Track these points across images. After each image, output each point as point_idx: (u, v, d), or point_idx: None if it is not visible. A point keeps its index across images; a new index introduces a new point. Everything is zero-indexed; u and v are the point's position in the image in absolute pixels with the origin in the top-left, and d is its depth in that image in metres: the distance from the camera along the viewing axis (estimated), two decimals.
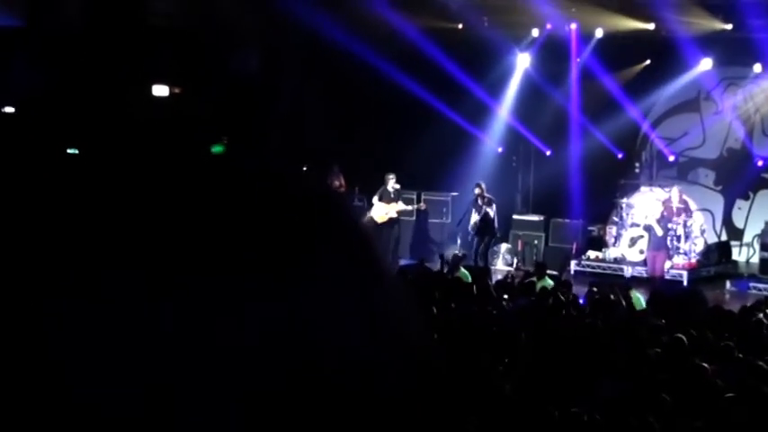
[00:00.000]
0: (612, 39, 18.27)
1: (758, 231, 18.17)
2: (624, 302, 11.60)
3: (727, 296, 15.77)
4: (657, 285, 14.80)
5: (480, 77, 18.83)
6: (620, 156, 19.65)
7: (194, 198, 0.77)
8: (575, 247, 17.86)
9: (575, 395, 7.21)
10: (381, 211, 17.55)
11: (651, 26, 17.89)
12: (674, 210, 17.34)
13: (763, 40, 17.24)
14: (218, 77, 15.93)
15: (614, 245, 18.06)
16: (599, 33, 18.44)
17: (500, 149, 20.20)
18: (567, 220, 18.41)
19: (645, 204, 17.74)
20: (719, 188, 19.49)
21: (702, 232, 17.90)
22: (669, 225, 16.60)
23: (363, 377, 0.76)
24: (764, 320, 10.30)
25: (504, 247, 18.38)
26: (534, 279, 13.35)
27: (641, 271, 16.72)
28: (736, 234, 19.19)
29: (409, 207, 17.98)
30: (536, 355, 8.41)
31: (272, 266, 0.74)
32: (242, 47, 16.26)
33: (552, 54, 18.94)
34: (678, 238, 17.25)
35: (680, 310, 10.98)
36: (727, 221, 19.40)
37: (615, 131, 19.23)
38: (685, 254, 17.30)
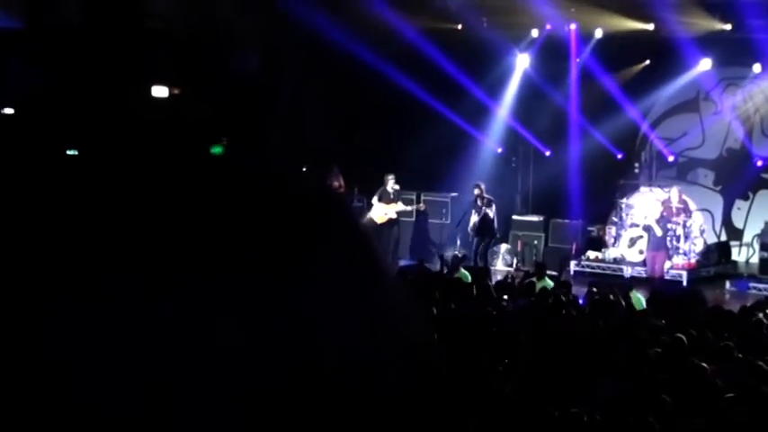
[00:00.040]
0: (612, 39, 18.27)
1: (758, 231, 18.17)
2: (624, 303, 11.59)
3: (727, 296, 15.76)
4: (657, 285, 14.79)
5: (480, 78, 18.82)
6: (619, 156, 19.64)
7: (194, 198, 0.77)
8: (574, 247, 17.86)
9: (575, 395, 7.21)
10: (381, 212, 17.55)
11: (650, 26, 17.88)
12: (674, 210, 17.34)
13: (762, 41, 17.24)
14: (217, 78, 15.92)
15: (614, 245, 18.05)
16: (598, 34, 18.43)
17: (499, 150, 20.19)
18: (566, 221, 18.41)
19: (644, 205, 17.74)
20: (719, 188, 19.49)
21: (702, 232, 17.90)
22: (669, 225, 16.60)
23: (363, 377, 0.76)
24: (764, 320, 10.30)
25: (503, 247, 18.38)
26: (534, 279, 13.34)
27: (641, 271, 16.72)
28: (736, 234, 19.18)
29: (409, 208, 17.98)
30: (536, 356, 8.41)
31: (273, 266, 0.74)
32: (241, 47, 16.26)
33: (552, 54, 18.94)
34: (678, 239, 17.24)
35: (680, 310, 10.98)
36: (727, 221, 19.39)
37: (615, 132, 19.23)
38: (685, 254, 17.29)
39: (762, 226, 17.70)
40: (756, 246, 18.21)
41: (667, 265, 16.48)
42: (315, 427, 0.73)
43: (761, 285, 16.03)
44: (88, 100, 13.91)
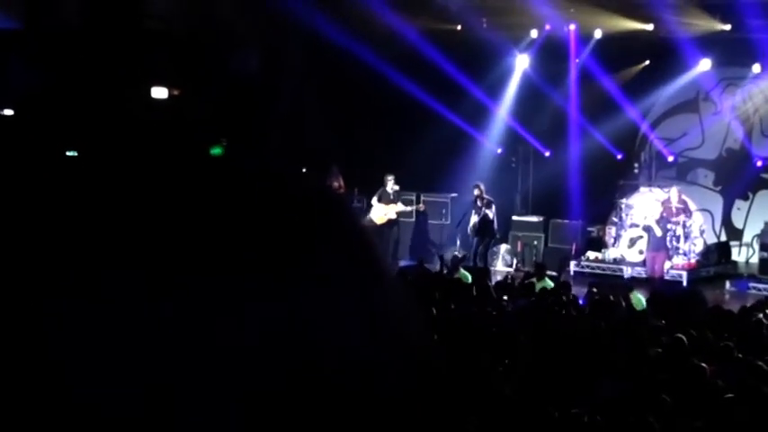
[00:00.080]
0: (611, 39, 18.27)
1: (757, 231, 18.17)
2: (624, 303, 11.59)
3: (727, 296, 15.76)
4: (657, 286, 14.79)
5: (479, 78, 18.83)
6: (619, 156, 19.65)
7: (194, 199, 0.77)
8: (574, 247, 17.86)
9: (574, 396, 7.21)
10: (380, 213, 17.55)
11: (650, 27, 17.89)
12: (674, 210, 17.34)
13: (761, 41, 17.24)
14: (217, 79, 15.93)
15: (614, 245, 18.05)
16: (598, 34, 18.44)
17: (499, 150, 20.20)
18: (566, 221, 18.41)
19: (644, 205, 17.74)
20: (719, 188, 19.50)
21: (702, 233, 17.91)
22: (668, 225, 16.60)
23: (363, 377, 0.76)
24: (764, 320, 10.30)
25: (503, 247, 18.38)
26: (534, 280, 13.35)
27: (641, 271, 16.72)
28: (736, 234, 19.19)
29: (408, 208, 17.98)
30: (536, 356, 8.41)
31: (273, 266, 0.74)
32: (241, 48, 16.26)
33: (551, 55, 18.94)
34: (677, 239, 17.25)
35: (680, 310, 10.98)
36: (727, 222, 19.40)
37: (614, 132, 19.24)
38: (685, 254, 17.30)
39: (761, 226, 17.70)
40: (756, 246, 18.22)
41: (667, 265, 16.48)
42: (315, 427, 0.73)
43: (761, 285, 16.04)
44: (87, 101, 13.91)
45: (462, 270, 14.44)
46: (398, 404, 0.78)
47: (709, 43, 17.78)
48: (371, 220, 17.14)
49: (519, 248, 18.40)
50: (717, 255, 17.96)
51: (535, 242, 18.34)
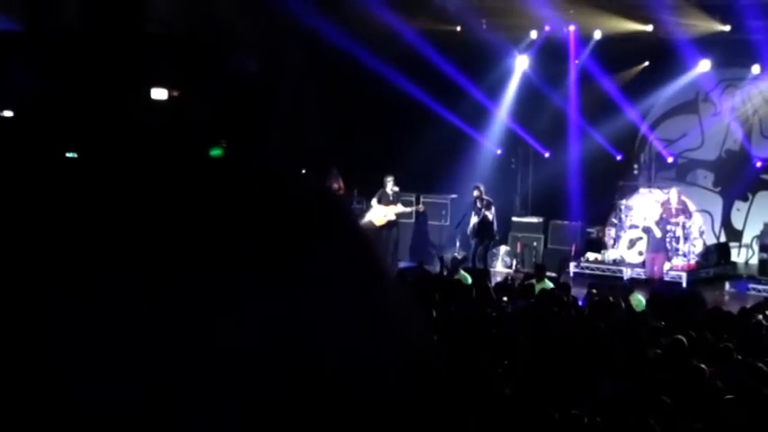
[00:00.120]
0: (611, 40, 18.27)
1: (757, 233, 18.18)
2: (623, 304, 11.59)
3: (727, 297, 15.76)
4: (657, 287, 14.79)
5: (479, 79, 18.84)
6: (618, 157, 19.65)
7: (194, 199, 0.77)
8: (574, 248, 17.86)
9: (574, 396, 7.21)
10: (380, 214, 17.54)
11: (649, 28, 17.90)
12: (673, 211, 17.34)
13: (761, 42, 17.25)
14: (216, 80, 15.93)
15: (613, 247, 18.06)
16: (597, 35, 18.44)
17: (499, 151, 20.20)
18: (565, 222, 18.41)
19: (644, 206, 17.74)
20: (718, 189, 19.50)
21: (701, 234, 17.90)
22: (668, 227, 16.59)
23: (363, 377, 0.76)
24: (764, 322, 10.30)
25: (503, 249, 18.38)
26: (533, 281, 13.35)
27: (640, 273, 16.71)
28: (735, 235, 19.20)
29: (408, 209, 17.97)
30: (535, 357, 8.41)
31: (272, 267, 0.74)
32: (241, 49, 16.26)
33: (551, 56, 18.94)
34: (677, 240, 17.25)
35: (679, 311, 10.98)
36: (726, 223, 19.40)
37: (614, 133, 19.25)
38: (684, 255, 17.30)
39: (761, 227, 17.70)
40: (756, 247, 18.22)
41: (667, 266, 16.48)
42: (315, 427, 0.73)
43: (760, 287, 16.03)
44: (87, 102, 13.91)
45: (462, 271, 14.44)
46: (398, 404, 0.78)
47: (708, 44, 17.78)
48: (371, 222, 17.14)
49: (518, 250, 18.40)
50: (716, 256, 17.96)
51: (535, 243, 18.34)
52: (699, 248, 17.60)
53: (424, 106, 18.34)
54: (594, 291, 12.92)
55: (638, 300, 12.19)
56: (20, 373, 0.67)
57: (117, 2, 15.10)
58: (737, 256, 18.83)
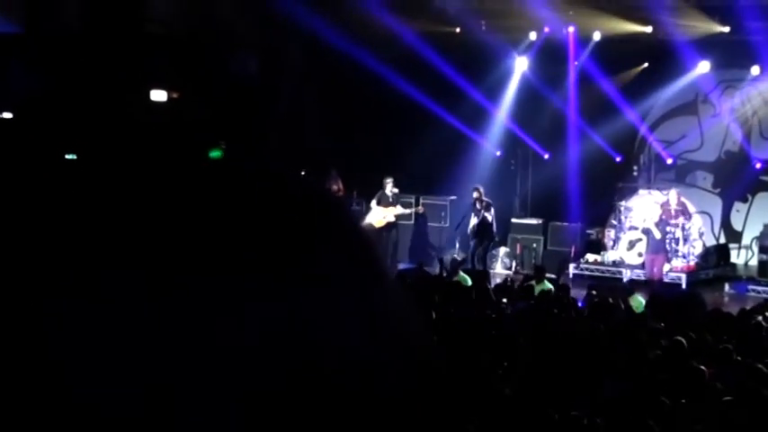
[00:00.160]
0: (610, 42, 18.27)
1: (756, 234, 18.18)
2: (623, 306, 11.59)
3: (726, 299, 15.76)
4: (656, 288, 14.79)
5: (478, 81, 18.84)
6: (618, 159, 19.65)
7: (194, 199, 0.77)
8: (573, 250, 17.86)
9: (574, 398, 7.21)
10: (379, 216, 17.54)
11: (649, 29, 17.90)
12: (673, 212, 17.34)
13: (760, 43, 17.25)
14: (216, 82, 15.93)
15: (613, 248, 18.05)
16: (597, 36, 18.44)
17: (498, 153, 20.20)
18: (565, 224, 18.41)
19: (643, 207, 17.74)
20: (718, 191, 19.50)
21: (701, 235, 17.90)
22: (667, 228, 16.59)
23: (363, 377, 0.76)
24: (763, 323, 10.30)
25: (502, 250, 18.37)
26: (533, 282, 13.35)
27: (640, 274, 16.71)
28: (735, 237, 19.19)
29: (407, 211, 17.96)
30: (535, 358, 8.41)
31: (273, 267, 0.74)
32: (240, 51, 16.26)
33: (550, 57, 18.94)
34: (677, 241, 17.25)
35: (679, 312, 10.98)
36: (726, 224, 19.40)
37: (613, 134, 19.25)
38: (684, 257, 17.30)
39: (761, 228, 17.70)
40: (755, 248, 18.22)
41: (666, 267, 16.48)
42: (315, 427, 0.73)
43: (760, 288, 16.03)
44: (87, 104, 13.91)
45: (462, 273, 14.43)
46: (398, 405, 0.78)
47: (707, 45, 17.79)
48: (370, 224, 17.13)
49: (518, 251, 18.39)
50: (716, 257, 17.96)
51: (534, 245, 18.33)
52: (698, 250, 17.59)
53: (424, 108, 18.34)
54: (594, 292, 12.92)
55: (638, 301, 12.19)
56: (20, 372, 0.67)
57: (116, 3, 15.10)
58: (737, 257, 18.83)
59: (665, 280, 16.23)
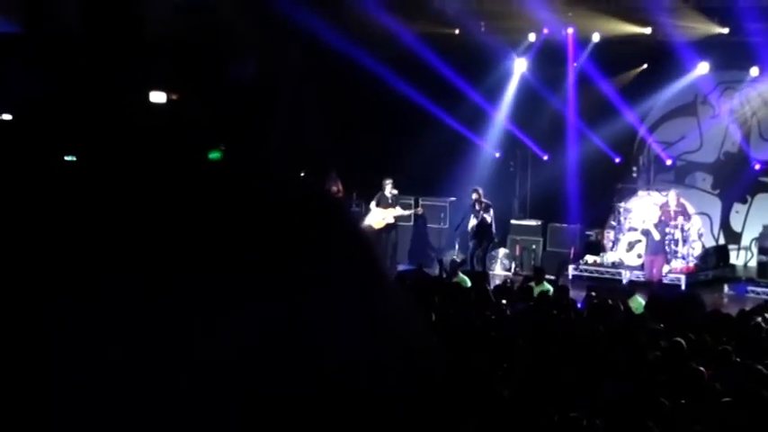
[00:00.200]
0: (609, 43, 18.27)
1: (756, 235, 18.18)
2: (622, 307, 11.59)
3: (726, 300, 15.76)
4: (655, 290, 14.78)
5: (477, 82, 18.84)
6: (617, 160, 19.65)
7: (194, 200, 0.78)
8: (572, 251, 17.86)
9: (573, 399, 7.21)
10: (379, 217, 17.53)
11: (648, 30, 17.90)
12: (672, 214, 17.34)
13: (759, 44, 17.25)
14: (215, 83, 15.93)
15: (612, 249, 18.05)
16: (596, 38, 18.44)
17: (497, 154, 20.20)
18: (564, 225, 18.41)
19: (642, 209, 17.73)
20: (717, 192, 19.50)
21: (700, 236, 17.90)
22: (667, 229, 16.59)
23: (363, 378, 0.76)
24: (763, 324, 10.30)
25: (501, 251, 18.37)
26: (532, 284, 13.35)
27: (639, 275, 16.71)
28: (734, 238, 19.19)
29: (407, 212, 17.96)
30: (535, 360, 8.41)
31: (272, 267, 0.74)
32: (240, 53, 16.26)
33: (549, 59, 18.94)
34: (676, 242, 17.25)
35: (678, 314, 10.98)
36: (725, 225, 19.40)
37: (612, 136, 19.25)
38: (683, 258, 17.30)
39: (760, 229, 17.70)
40: (754, 249, 18.22)
41: (666, 269, 16.48)
42: (315, 427, 0.73)
43: (759, 289, 16.03)
44: (86, 105, 13.91)
45: (461, 274, 14.43)
46: (398, 405, 0.78)
47: (707, 47, 17.79)
48: (370, 225, 17.13)
49: (517, 252, 18.40)
50: (715, 258, 17.96)
51: (533, 246, 18.33)
52: (698, 251, 17.59)
53: (423, 109, 18.34)
54: (593, 293, 12.93)
55: (637, 302, 12.19)
56: (20, 372, 0.67)
57: (116, 5, 15.10)
58: (736, 258, 18.83)
59: (665, 281, 16.23)
